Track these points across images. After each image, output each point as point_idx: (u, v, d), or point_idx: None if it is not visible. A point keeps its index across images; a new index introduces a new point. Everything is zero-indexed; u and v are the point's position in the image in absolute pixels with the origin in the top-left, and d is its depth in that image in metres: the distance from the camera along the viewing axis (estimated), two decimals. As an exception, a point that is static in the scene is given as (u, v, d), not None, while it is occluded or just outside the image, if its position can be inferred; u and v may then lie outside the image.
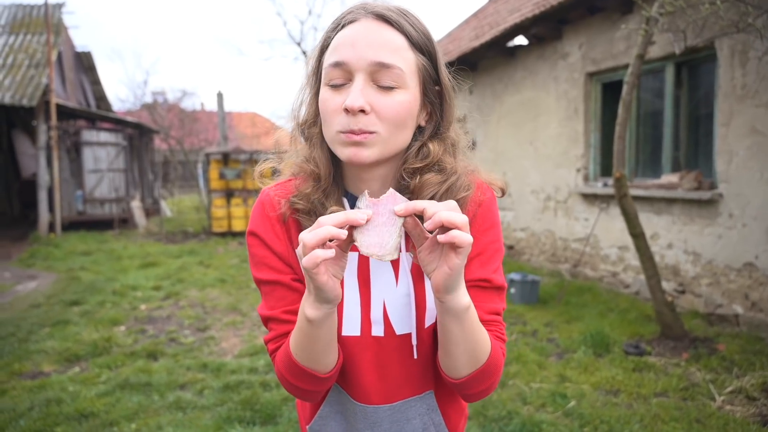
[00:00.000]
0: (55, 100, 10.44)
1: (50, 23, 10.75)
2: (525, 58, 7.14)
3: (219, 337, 4.49)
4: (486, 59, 7.83)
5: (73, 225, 11.08)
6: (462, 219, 0.67)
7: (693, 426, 2.77)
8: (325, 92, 0.80)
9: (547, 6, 5.70)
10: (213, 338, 4.44)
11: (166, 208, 15.23)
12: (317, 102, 0.84)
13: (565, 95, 6.36)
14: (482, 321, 0.83)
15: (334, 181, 0.86)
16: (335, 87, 0.79)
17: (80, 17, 49.17)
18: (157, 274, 7.01)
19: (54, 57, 10.84)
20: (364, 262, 0.87)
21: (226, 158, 11.10)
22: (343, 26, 0.81)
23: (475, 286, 0.87)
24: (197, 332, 4.62)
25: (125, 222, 11.81)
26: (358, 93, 0.76)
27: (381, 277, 0.86)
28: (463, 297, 0.75)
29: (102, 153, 11.64)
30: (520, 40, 7.10)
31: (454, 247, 0.68)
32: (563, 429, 2.81)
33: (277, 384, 3.40)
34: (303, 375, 0.81)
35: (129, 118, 13.64)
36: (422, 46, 0.82)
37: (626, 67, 5.35)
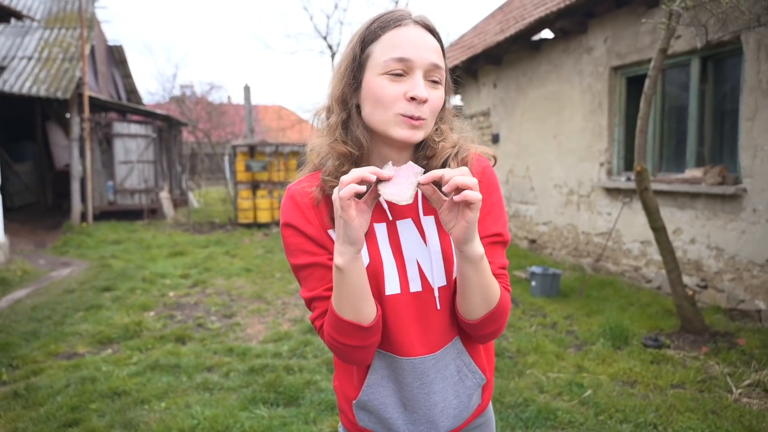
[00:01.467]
0: (88, 92, 10.78)
1: (84, 18, 11.08)
2: (550, 52, 7.10)
3: (244, 323, 4.64)
4: (510, 53, 7.81)
5: (104, 215, 11.45)
6: (473, 181, 0.82)
7: (708, 417, 2.79)
8: (382, 80, 0.92)
9: (572, 0, 5.67)
10: (239, 324, 4.60)
11: (194, 199, 15.57)
12: (351, 89, 0.96)
13: (590, 89, 6.31)
14: (493, 274, 0.96)
15: (364, 160, 1.00)
16: (396, 76, 0.91)
17: (113, 12, 50.28)
18: (184, 262, 7.23)
19: (87, 51, 11.17)
20: (393, 233, 0.99)
21: (252, 151, 11.31)
22: (393, 27, 0.93)
23: (491, 241, 1.01)
24: (223, 318, 4.79)
25: (154, 212, 12.13)
26: (422, 86, 0.91)
27: (410, 240, 0.98)
28: (478, 247, 0.88)
29: (132, 145, 11.97)
30: (546, 33, 7.07)
31: (468, 203, 0.82)
32: (578, 417, 2.85)
33: (300, 368, 3.52)
34: (348, 328, 0.91)
35: (158, 111, 13.97)
36: (445, 53, 0.99)
37: (651, 61, 5.30)
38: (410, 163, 0.87)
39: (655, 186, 5.20)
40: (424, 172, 0.85)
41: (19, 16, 6.39)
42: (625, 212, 5.72)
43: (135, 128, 12.20)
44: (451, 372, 1.01)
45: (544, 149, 7.29)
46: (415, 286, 0.97)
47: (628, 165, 5.98)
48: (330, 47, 15.60)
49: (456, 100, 11.18)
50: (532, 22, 6.49)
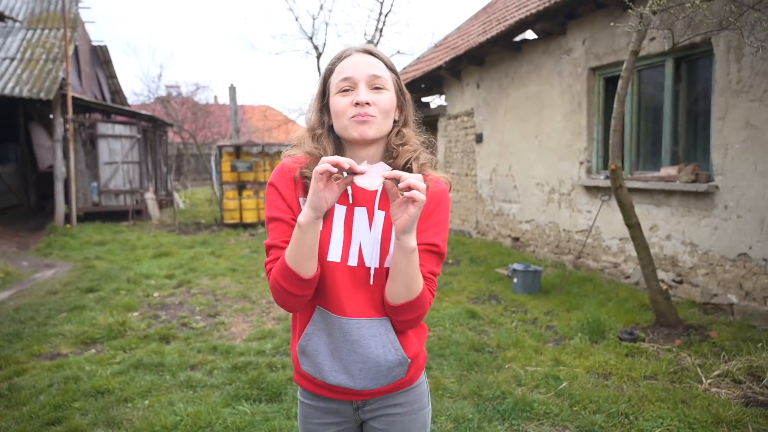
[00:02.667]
0: (71, 93, 10.70)
1: (67, 18, 10.99)
2: (531, 53, 7.21)
3: (229, 322, 4.68)
4: (493, 54, 7.91)
5: (89, 216, 11.37)
6: (422, 185, 1.03)
7: (678, 406, 2.89)
8: (337, 98, 1.18)
9: (552, 2, 5.77)
10: (223, 323, 4.63)
11: (179, 200, 15.51)
12: (322, 111, 1.25)
13: (569, 89, 6.44)
14: (423, 276, 1.17)
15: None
16: (345, 92, 1.17)
17: (97, 12, 49.78)
18: (170, 263, 7.23)
19: (71, 51, 11.09)
20: (349, 216, 1.20)
21: (238, 151, 11.31)
22: (341, 59, 1.21)
23: (426, 249, 1.20)
24: (208, 318, 4.82)
25: (139, 213, 12.07)
26: (364, 92, 1.16)
27: (360, 224, 1.20)
28: (412, 241, 1.09)
29: (117, 145, 11.90)
30: (529, 34, 7.18)
31: (413, 200, 1.03)
32: (554, 408, 2.94)
33: (283, 365, 3.57)
34: (291, 275, 1.12)
35: (143, 112, 13.89)
36: (392, 68, 1.24)
37: (628, 61, 5.43)
38: (381, 162, 1.08)
39: (632, 184, 5.33)
40: (390, 170, 1.06)
41: (1, 17, 6.35)
42: (604, 210, 5.84)
43: (119, 129, 12.13)
44: (375, 342, 1.19)
45: (526, 148, 7.40)
46: (353, 261, 1.18)
47: (607, 163, 6.09)
48: (316, 48, 15.63)
49: (440, 100, 11.29)
50: (513, 24, 6.60)
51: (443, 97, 10.64)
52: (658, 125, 5.39)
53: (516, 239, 7.82)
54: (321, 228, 1.13)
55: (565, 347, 3.90)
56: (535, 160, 7.21)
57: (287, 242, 1.15)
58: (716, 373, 3.31)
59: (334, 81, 1.19)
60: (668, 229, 5.09)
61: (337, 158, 1.02)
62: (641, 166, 5.68)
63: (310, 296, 1.17)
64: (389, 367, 1.21)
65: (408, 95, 1.26)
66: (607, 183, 5.69)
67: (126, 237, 9.52)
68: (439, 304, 5.11)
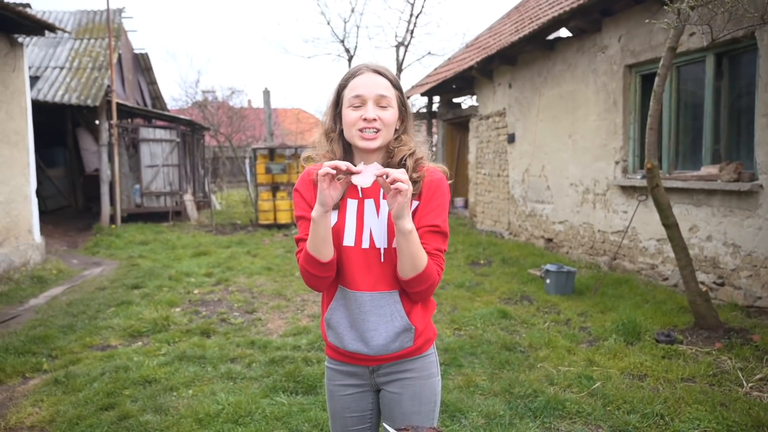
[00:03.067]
0: (115, 100, 11.17)
1: (111, 28, 11.49)
2: (564, 51, 7.15)
3: (265, 318, 4.83)
4: (525, 53, 7.87)
5: (132, 217, 11.83)
6: (405, 177, 1.23)
7: (716, 409, 2.85)
8: (349, 111, 1.38)
9: (586, -1, 5.72)
10: (260, 320, 4.78)
11: (216, 201, 15.93)
12: (335, 118, 1.46)
13: (604, 88, 6.35)
14: (429, 253, 1.36)
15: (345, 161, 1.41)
16: (356, 107, 1.38)
17: (138, 21, 51.47)
18: (208, 262, 7.47)
19: (115, 59, 11.58)
20: (360, 207, 1.42)
21: (272, 153, 11.56)
22: (354, 76, 1.40)
23: (429, 230, 1.39)
24: (245, 314, 4.98)
25: (178, 214, 12.48)
26: (372, 110, 1.36)
27: (369, 214, 1.42)
28: (408, 223, 1.28)
29: (158, 149, 12.34)
30: (563, 32, 7.12)
31: (398, 190, 1.22)
32: (586, 407, 2.94)
33: (318, 360, 3.68)
34: (312, 261, 1.36)
35: (182, 116, 14.35)
36: (396, 86, 1.43)
37: (666, 58, 5.33)
38: (375, 163, 1.30)
39: (670, 183, 5.23)
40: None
41: (52, 28, 6.71)
42: (641, 210, 5.74)
43: (160, 133, 12.58)
44: (384, 312, 1.40)
45: (559, 148, 7.33)
46: (365, 244, 1.40)
47: (644, 163, 5.98)
48: (347, 50, 15.81)
49: (471, 100, 11.26)
50: (546, 22, 6.56)
51: (474, 97, 10.62)
52: (699, 123, 5.27)
53: (549, 240, 7.74)
54: (331, 219, 1.36)
55: (599, 348, 3.87)
56: (568, 160, 7.13)
57: None
58: (758, 376, 3.24)
59: (347, 96, 1.39)
60: (709, 229, 4.97)
61: (335, 162, 1.24)
62: (680, 165, 5.56)
63: (332, 277, 1.41)
64: (396, 333, 1.41)
65: (409, 108, 1.48)
66: (644, 183, 5.58)
67: (167, 237, 9.86)
68: (470, 304, 5.13)
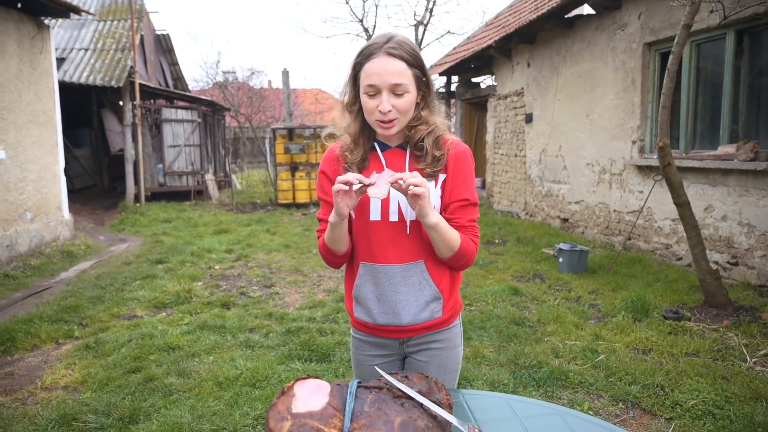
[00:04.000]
0: (138, 80, 11.39)
1: (133, 9, 11.65)
2: (583, 30, 7.06)
3: (283, 292, 5.00)
4: (544, 31, 7.79)
5: (155, 195, 12.14)
6: (419, 180, 1.23)
7: (717, 381, 2.92)
8: (365, 98, 1.37)
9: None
10: (278, 293, 4.96)
11: (236, 181, 16.20)
12: (354, 94, 1.43)
13: (623, 66, 6.29)
14: (462, 226, 1.39)
15: (368, 137, 1.46)
16: (371, 96, 1.36)
17: (159, 2, 51.74)
18: (228, 239, 7.69)
19: (137, 41, 11.77)
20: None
21: (291, 133, 11.69)
22: (369, 59, 1.35)
23: (460, 205, 1.41)
24: (264, 288, 5.16)
25: (200, 193, 12.76)
26: (386, 101, 1.34)
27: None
28: (432, 218, 1.30)
29: (179, 129, 12.58)
30: (583, 9, 7.03)
31: (416, 195, 1.24)
32: (589, 378, 3.04)
33: (332, 331, 3.84)
34: (329, 251, 1.45)
35: (203, 97, 14.54)
36: (414, 62, 1.37)
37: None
38: (386, 170, 1.30)
39: (687, 163, 5.21)
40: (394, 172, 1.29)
41: (77, 11, 6.88)
42: (656, 190, 5.72)
43: (182, 114, 12.80)
44: (413, 281, 1.43)
45: (576, 128, 7.29)
46: (394, 217, 1.41)
47: (661, 143, 5.95)
48: (366, 30, 15.73)
49: (490, 80, 11.18)
50: (565, 0, 6.48)
51: (493, 77, 10.55)
52: (717, 102, 5.20)
53: (565, 220, 7.75)
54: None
55: (606, 324, 3.95)
56: (585, 139, 7.10)
57: None
58: (763, 352, 3.28)
59: (362, 81, 1.37)
60: (724, 209, 4.95)
61: (347, 177, 1.25)
62: (698, 145, 5.51)
63: (347, 260, 1.49)
64: (426, 302, 1.43)
65: (430, 81, 1.43)
66: (660, 162, 5.56)
67: (189, 215, 10.13)
68: (483, 281, 5.23)
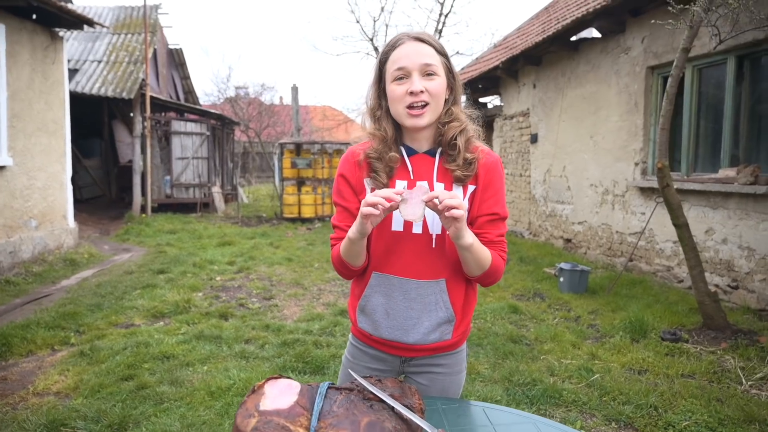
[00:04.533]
0: (149, 93, 11.58)
1: (147, 23, 11.91)
2: (588, 52, 7.13)
3: (282, 305, 5.01)
4: (550, 53, 7.88)
5: (162, 207, 12.25)
6: (458, 202, 1.14)
7: (711, 403, 2.88)
8: (393, 86, 1.29)
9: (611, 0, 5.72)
10: (276, 306, 4.97)
11: (243, 195, 16.31)
12: (379, 96, 1.36)
13: (626, 89, 6.33)
14: (491, 242, 1.32)
15: (395, 140, 1.36)
16: (399, 80, 1.28)
17: (174, 17, 52.84)
18: (232, 251, 7.72)
19: (150, 54, 12.00)
20: (411, 188, 1.31)
21: (298, 148, 11.80)
22: (395, 47, 1.31)
23: (490, 219, 1.34)
24: (263, 300, 5.18)
25: (207, 206, 12.86)
26: (418, 82, 1.26)
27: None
28: (467, 238, 1.22)
29: (188, 142, 12.74)
30: (589, 33, 7.11)
31: (454, 218, 1.15)
32: (583, 397, 3.01)
33: (328, 344, 3.83)
34: (344, 265, 1.36)
35: (212, 111, 14.74)
36: (442, 52, 1.33)
37: (689, 60, 5.30)
38: (418, 185, 1.18)
39: (688, 186, 5.21)
40: (429, 189, 1.19)
41: (91, 23, 7.05)
42: (658, 211, 5.71)
43: (191, 126, 12.97)
44: (430, 300, 1.34)
45: (580, 149, 7.32)
46: (417, 229, 1.32)
47: (664, 165, 5.96)
48: (376, 49, 15.94)
49: (497, 101, 11.27)
50: (570, 23, 6.57)
51: (499, 97, 10.63)
52: (719, 126, 5.22)
53: (568, 240, 7.74)
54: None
55: (604, 344, 3.92)
56: (589, 160, 7.12)
57: (348, 226, 1.34)
58: (759, 375, 3.24)
59: (390, 69, 1.30)
60: (725, 232, 4.93)
61: (376, 200, 1.15)
62: (699, 168, 5.52)
63: (360, 273, 1.40)
64: (439, 323, 1.35)
65: (457, 75, 1.37)
66: (662, 184, 5.57)
67: (194, 227, 10.20)
68: (482, 299, 5.21)
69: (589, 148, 7.11)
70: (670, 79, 3.88)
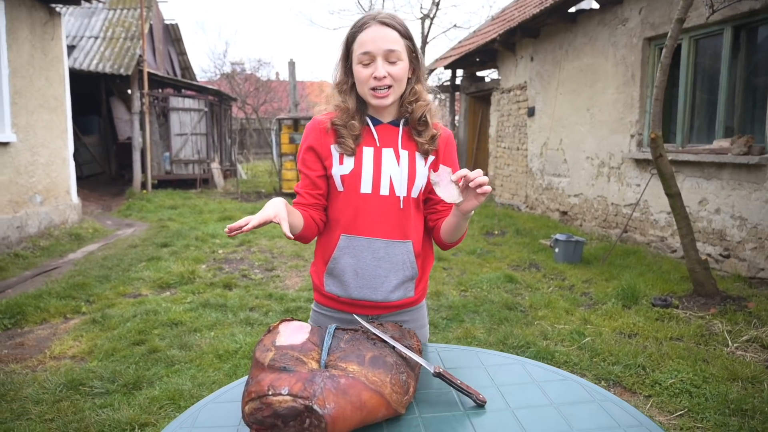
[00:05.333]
0: (147, 69, 11.53)
1: (143, -2, 11.77)
2: (586, 24, 7.13)
3: (283, 276, 5.14)
4: (548, 25, 7.86)
5: (162, 183, 12.31)
6: (486, 179, 1.21)
7: (697, 363, 3.03)
8: (359, 68, 1.36)
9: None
10: (278, 276, 5.10)
11: (242, 171, 16.35)
12: (346, 72, 1.43)
13: (623, 61, 6.36)
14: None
15: (359, 112, 1.43)
16: (365, 65, 1.35)
17: (167, -9, 51.79)
18: (233, 226, 7.82)
19: (146, 30, 11.90)
20: (377, 155, 1.41)
21: (296, 124, 11.82)
22: (361, 30, 1.37)
23: None
24: (265, 271, 5.31)
25: (206, 182, 12.92)
26: (381, 67, 1.34)
27: (389, 162, 1.42)
28: (472, 210, 1.30)
29: (186, 118, 12.72)
30: (589, 3, 7.09)
31: (484, 193, 1.22)
32: (574, 358, 3.16)
33: (330, 311, 3.97)
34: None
35: (210, 86, 14.67)
36: (406, 34, 1.40)
37: (686, 31, 5.33)
38: (442, 168, 1.25)
39: (682, 157, 5.29)
40: (452, 171, 1.25)
41: (87, -3, 7.02)
42: (653, 183, 5.81)
43: (189, 102, 12.94)
44: (398, 260, 1.43)
45: (577, 122, 7.37)
46: (385, 191, 1.40)
47: (659, 137, 6.03)
48: (374, 23, 15.77)
49: (494, 74, 11.24)
50: (568, -6, 6.55)
51: (497, 71, 10.61)
52: (714, 97, 5.28)
53: (564, 213, 7.85)
54: (347, 166, 1.38)
55: (596, 310, 4.06)
56: (585, 133, 7.18)
57: (309, 194, 1.44)
58: (745, 338, 3.39)
59: (356, 51, 1.37)
60: (718, 202, 5.04)
61: (238, 224, 1.20)
62: (694, 139, 5.59)
63: (311, 239, 1.48)
64: (404, 281, 1.44)
65: (420, 56, 1.45)
66: (657, 156, 5.65)
67: (194, 202, 10.29)
68: (479, 269, 5.35)
69: (586, 120, 7.16)
70: (664, 50, 3.93)
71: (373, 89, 1.35)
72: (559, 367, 3.06)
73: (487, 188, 1.20)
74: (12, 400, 2.65)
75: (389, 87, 1.35)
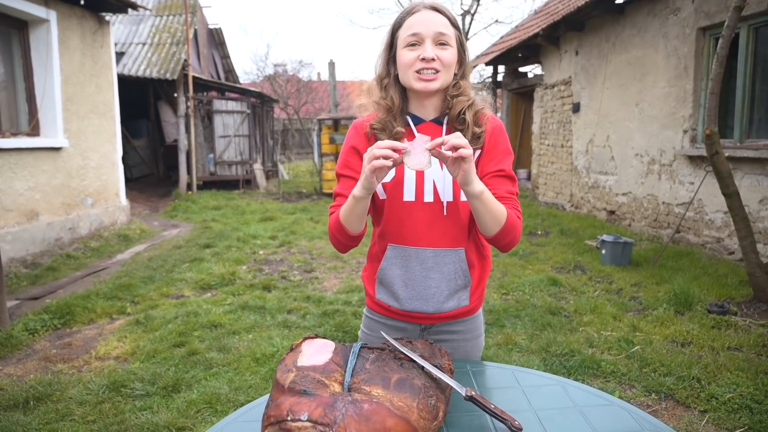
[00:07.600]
0: (192, 73, 11.85)
1: (188, 4, 12.10)
2: (634, 15, 6.81)
3: (322, 277, 5.15)
4: (593, 18, 7.56)
5: (206, 184, 12.63)
6: (464, 141, 1.11)
7: (759, 376, 2.81)
8: (405, 51, 1.28)
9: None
10: (317, 278, 5.11)
11: (284, 171, 16.59)
12: (389, 62, 1.36)
13: (675, 52, 6.03)
14: (500, 197, 1.27)
15: (401, 109, 1.36)
16: (412, 46, 1.27)
17: (212, -4, 53.33)
18: (273, 226, 7.93)
19: (191, 35, 12.23)
20: None
21: (336, 124, 11.87)
22: (410, 14, 1.30)
23: (495, 175, 1.32)
24: (304, 273, 5.33)
25: (249, 182, 13.17)
26: (430, 49, 1.26)
27: (432, 168, 1.31)
28: (476, 186, 1.17)
29: (230, 120, 13.01)
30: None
31: (462, 157, 1.11)
32: (622, 368, 2.99)
33: (366, 314, 3.93)
34: (342, 230, 1.30)
35: (252, 89, 14.95)
36: (455, 24, 1.33)
37: (744, 19, 4.99)
38: (419, 136, 1.16)
39: (741, 153, 4.97)
40: (431, 139, 1.13)
41: (135, 6, 7.25)
42: (708, 181, 5.48)
43: (232, 105, 13.22)
44: (449, 269, 1.35)
45: (625, 117, 7.06)
46: (429, 197, 1.32)
47: (715, 132, 5.68)
48: (413, 21, 15.67)
49: (537, 70, 10.93)
50: (615, -16, 6.27)
51: (540, 66, 10.32)
52: (776, 88, 4.92)
53: (611, 212, 7.54)
54: (388, 175, 1.25)
55: (646, 316, 3.86)
56: (634, 129, 6.86)
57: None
58: (812, 349, 3.13)
59: (403, 35, 1.29)
60: (780, 201, 4.70)
61: (384, 151, 1.10)
62: (754, 134, 5.23)
63: (356, 246, 1.36)
64: (456, 290, 1.36)
65: (467, 50, 1.37)
66: (713, 152, 5.32)
67: (237, 203, 10.50)
68: (521, 271, 5.19)
69: (635, 116, 6.84)
70: (720, 40, 3.68)
71: (419, 71, 1.26)
72: (606, 378, 2.92)
73: (464, 152, 1.08)
74: (58, 400, 2.74)
75: (437, 71, 1.26)
